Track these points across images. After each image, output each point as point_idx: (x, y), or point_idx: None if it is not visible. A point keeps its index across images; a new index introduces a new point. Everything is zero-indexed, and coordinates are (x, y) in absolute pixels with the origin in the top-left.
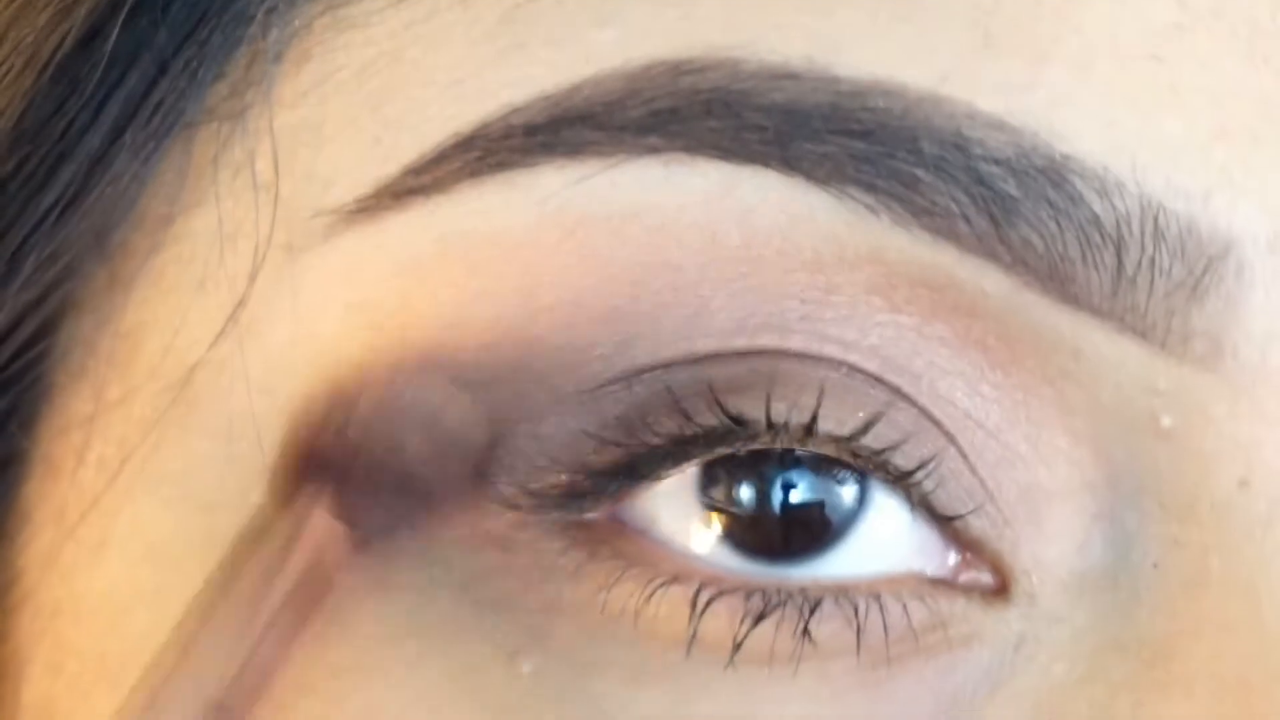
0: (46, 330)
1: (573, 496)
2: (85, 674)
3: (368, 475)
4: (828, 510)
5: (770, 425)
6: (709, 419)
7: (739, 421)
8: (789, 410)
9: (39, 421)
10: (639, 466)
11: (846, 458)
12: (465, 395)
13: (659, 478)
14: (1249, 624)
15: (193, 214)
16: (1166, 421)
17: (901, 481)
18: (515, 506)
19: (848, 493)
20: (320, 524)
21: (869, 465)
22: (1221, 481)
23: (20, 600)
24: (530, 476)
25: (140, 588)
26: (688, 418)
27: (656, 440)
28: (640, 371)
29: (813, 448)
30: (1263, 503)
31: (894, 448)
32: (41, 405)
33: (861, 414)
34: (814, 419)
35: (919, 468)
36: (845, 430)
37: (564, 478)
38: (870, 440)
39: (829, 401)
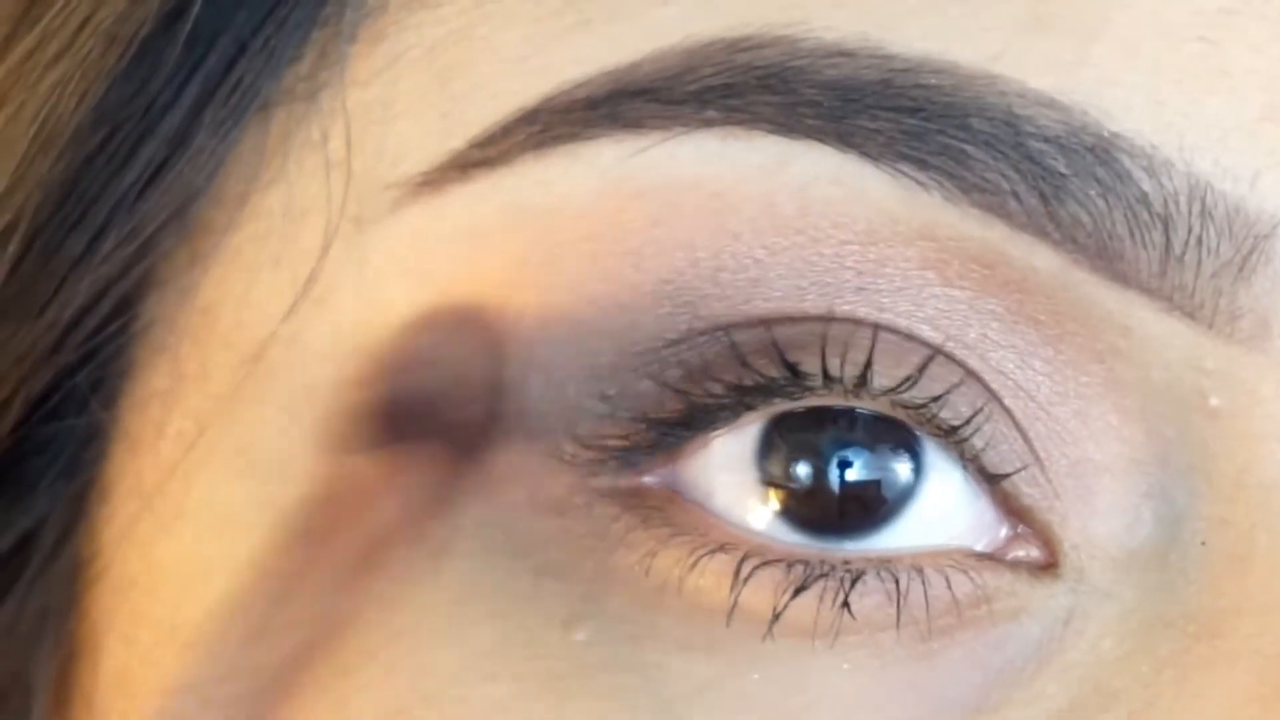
0: (128, 307)
1: (631, 449)
2: (158, 644)
3: (411, 425)
4: (884, 488)
5: (826, 376)
6: (767, 368)
7: (795, 372)
8: (843, 364)
9: (121, 397)
10: (697, 417)
11: (900, 415)
12: (490, 337)
13: (716, 429)
14: None
15: (268, 191)
16: (1215, 401)
17: (951, 437)
18: (574, 464)
19: (903, 469)
20: (378, 479)
21: (919, 420)
22: (1269, 462)
23: (99, 574)
24: (591, 431)
25: (211, 557)
26: (747, 366)
27: (716, 389)
28: (702, 331)
29: (867, 402)
30: None
31: (943, 398)
32: (123, 381)
33: (912, 364)
34: (868, 366)
35: (968, 422)
36: (896, 380)
37: (624, 429)
38: (920, 391)
39: (882, 356)
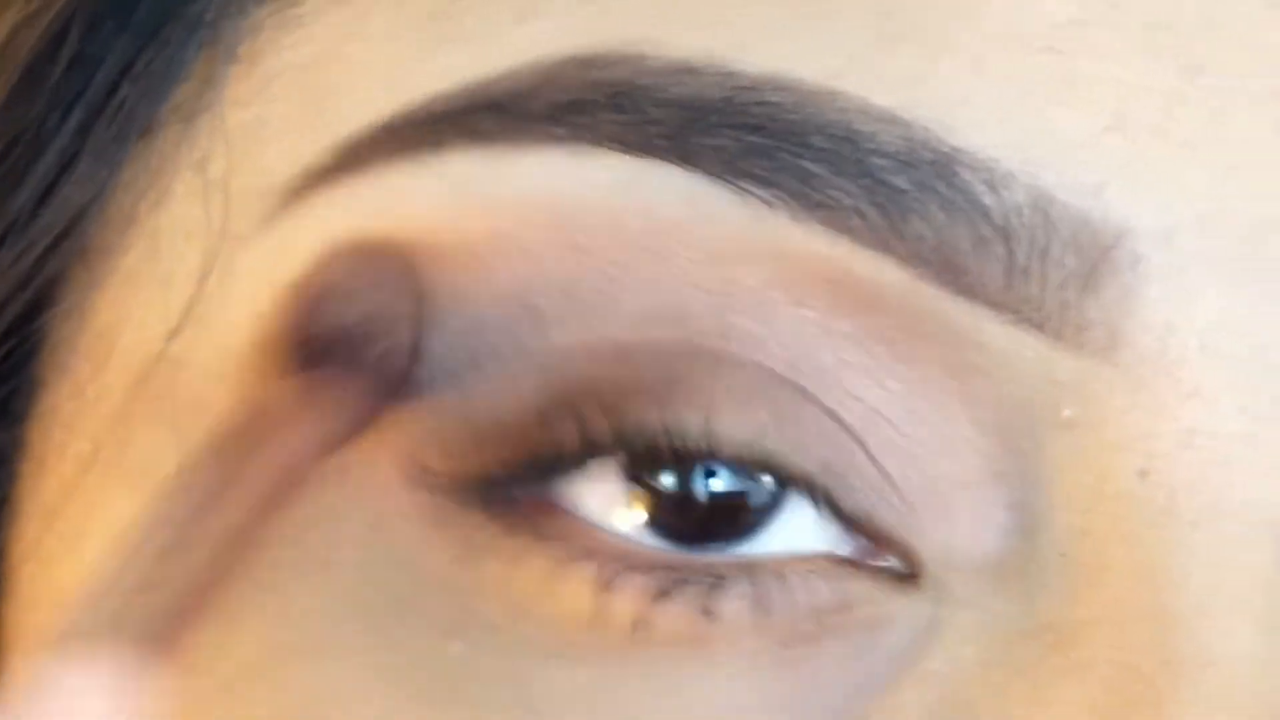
0: (33, 329)
1: (494, 484)
2: None
3: (328, 355)
4: (750, 498)
5: (669, 433)
6: (609, 428)
7: (639, 430)
8: (689, 415)
9: (27, 418)
10: (552, 462)
11: (749, 464)
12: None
13: (575, 471)
14: (1146, 612)
15: (157, 212)
16: (1068, 413)
17: (804, 482)
18: (440, 486)
19: (768, 480)
20: (295, 403)
21: (770, 468)
22: (1122, 472)
23: (8, 592)
24: (454, 459)
25: None
26: (590, 427)
27: (566, 439)
28: (550, 361)
29: (719, 452)
30: (1162, 493)
31: (795, 449)
32: (30, 403)
33: (761, 416)
34: (709, 423)
35: (820, 468)
36: (744, 434)
37: (483, 463)
38: (770, 442)
39: (730, 405)
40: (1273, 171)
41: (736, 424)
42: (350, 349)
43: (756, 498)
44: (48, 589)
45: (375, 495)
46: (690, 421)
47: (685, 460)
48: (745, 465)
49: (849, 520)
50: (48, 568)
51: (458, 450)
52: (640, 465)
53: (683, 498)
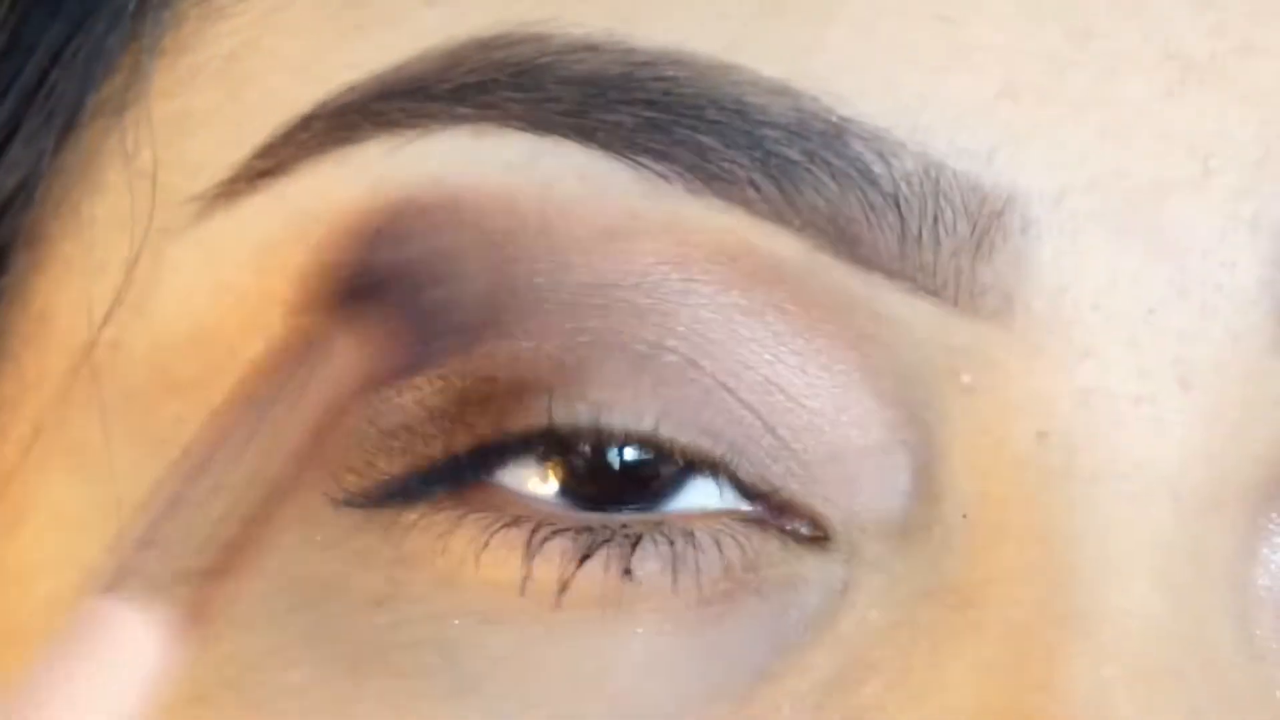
0: None
1: (418, 484)
2: (2, 641)
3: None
4: (659, 465)
5: (559, 429)
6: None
7: (529, 432)
8: (578, 412)
9: None
10: (462, 460)
11: (649, 448)
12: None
13: (489, 458)
14: (1041, 572)
15: (91, 201)
16: (966, 378)
17: (704, 462)
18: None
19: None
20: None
21: (667, 450)
22: (1021, 434)
23: None
24: (362, 461)
25: (47, 555)
26: (486, 429)
27: (482, 433)
28: (441, 365)
29: (613, 441)
30: (1059, 454)
31: (690, 429)
32: None
33: (654, 400)
34: (599, 421)
35: (715, 443)
36: (635, 423)
37: (396, 474)
38: (664, 430)
39: (621, 394)
40: (1162, 134)
41: (628, 414)
42: (405, 289)
43: (666, 467)
44: None
45: (304, 487)
46: (581, 416)
47: (599, 432)
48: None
49: (752, 493)
50: None
51: (368, 463)
52: (551, 445)
53: (596, 466)
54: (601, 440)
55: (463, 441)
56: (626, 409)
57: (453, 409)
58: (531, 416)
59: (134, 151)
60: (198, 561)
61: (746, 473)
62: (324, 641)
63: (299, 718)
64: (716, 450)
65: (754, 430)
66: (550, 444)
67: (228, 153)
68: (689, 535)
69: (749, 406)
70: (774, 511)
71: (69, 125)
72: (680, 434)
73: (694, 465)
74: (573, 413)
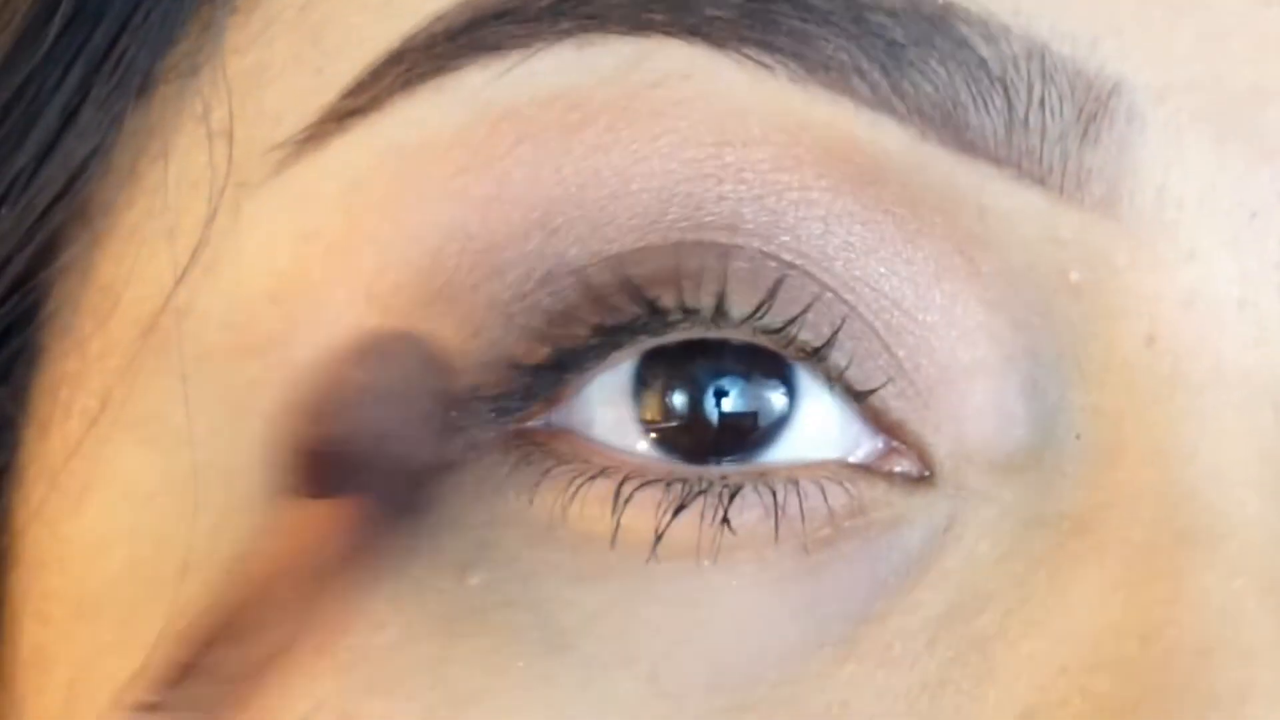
0: (32, 293)
1: (506, 397)
2: (68, 619)
3: (352, 472)
4: (759, 417)
5: (684, 309)
6: (628, 307)
7: (654, 308)
8: (701, 295)
9: (30, 385)
10: (567, 361)
11: (763, 342)
12: (428, 351)
13: (589, 372)
14: (1157, 489)
15: (159, 166)
16: (1074, 276)
17: (814, 358)
18: (456, 423)
19: (777, 397)
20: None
21: (781, 344)
22: (1130, 340)
23: (16, 557)
24: (464, 382)
25: (117, 527)
26: (607, 305)
27: (580, 330)
28: (564, 269)
29: (729, 331)
30: (1167, 361)
31: (800, 318)
32: (32, 369)
33: (765, 287)
34: (722, 295)
35: (828, 342)
36: (751, 306)
37: (496, 381)
38: (776, 314)
39: (737, 284)
40: (1260, 42)
41: (747, 300)
42: (373, 461)
43: (765, 416)
44: (54, 548)
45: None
46: (702, 300)
47: (695, 381)
48: (757, 362)
49: (864, 406)
50: (53, 528)
51: (476, 378)
52: (650, 383)
53: (693, 419)
54: (721, 321)
55: (565, 341)
56: (744, 300)
57: (563, 312)
58: (643, 305)
59: (207, 111)
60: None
61: (860, 380)
62: (413, 604)
63: (389, 680)
64: (832, 353)
65: (873, 347)
66: (653, 373)
67: (312, 97)
68: (793, 483)
69: (868, 323)
70: (882, 437)
71: (139, 90)
72: (795, 332)
73: (805, 371)
74: (694, 301)
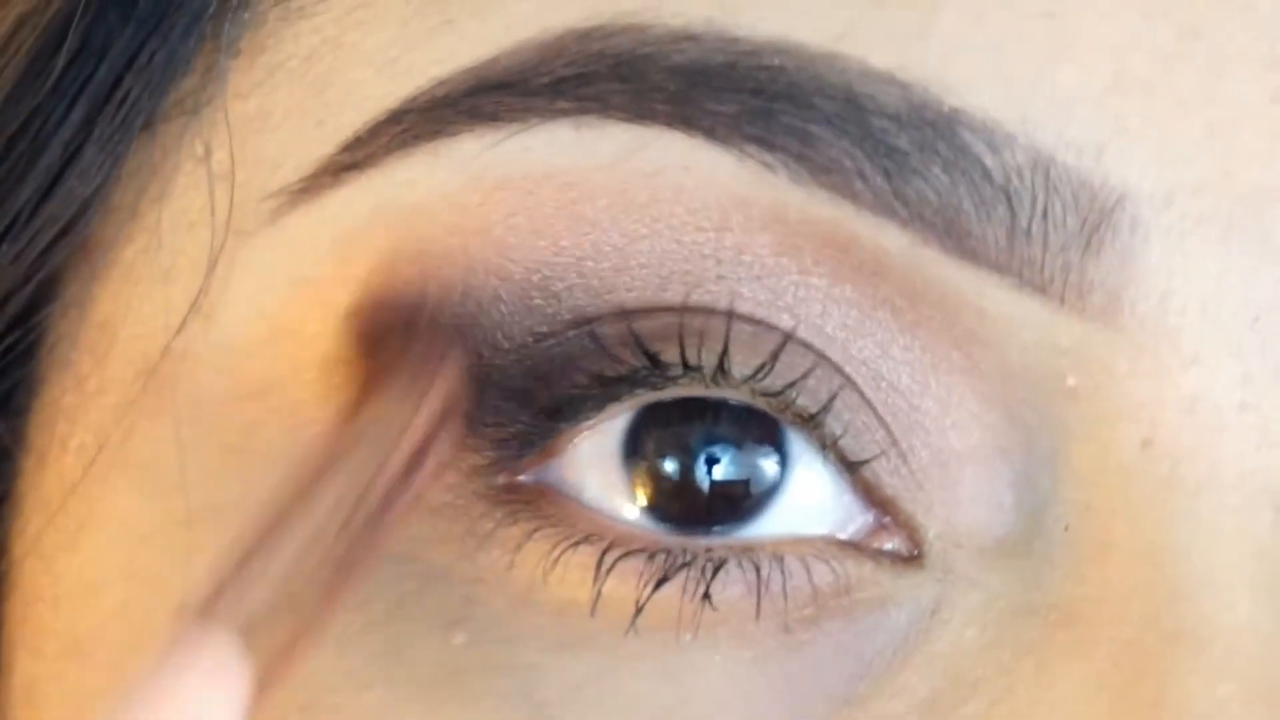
0: (33, 323)
1: (503, 442)
2: (60, 657)
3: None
4: (751, 485)
5: (686, 365)
6: (629, 357)
7: (655, 361)
8: (701, 351)
9: (29, 413)
10: (563, 409)
11: (761, 404)
12: None
13: (583, 420)
14: (1148, 587)
15: (159, 205)
16: (1072, 381)
17: (810, 424)
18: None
19: (769, 465)
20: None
21: (779, 408)
22: (1126, 442)
23: (11, 588)
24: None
25: (111, 568)
26: (609, 356)
27: (581, 379)
28: (569, 324)
29: (728, 391)
30: (1165, 464)
31: (799, 383)
32: (31, 398)
33: (767, 351)
34: (725, 354)
35: (825, 408)
36: (753, 367)
37: (491, 429)
38: (776, 378)
39: (738, 345)
40: (1269, 139)
41: (747, 361)
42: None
43: (758, 484)
44: (49, 584)
45: None
46: (704, 357)
47: (687, 446)
48: (750, 429)
49: (856, 478)
50: (49, 562)
51: (472, 425)
52: (643, 447)
53: (684, 485)
54: (721, 379)
55: (563, 392)
56: (744, 360)
57: (560, 367)
58: (644, 352)
59: (208, 153)
60: (288, 613)
61: (854, 451)
62: (398, 663)
63: None
64: (827, 421)
65: (868, 420)
66: (645, 429)
67: (310, 149)
68: (778, 560)
69: (864, 396)
70: (872, 519)
71: (142, 129)
72: (792, 397)
73: (798, 439)
74: (697, 356)
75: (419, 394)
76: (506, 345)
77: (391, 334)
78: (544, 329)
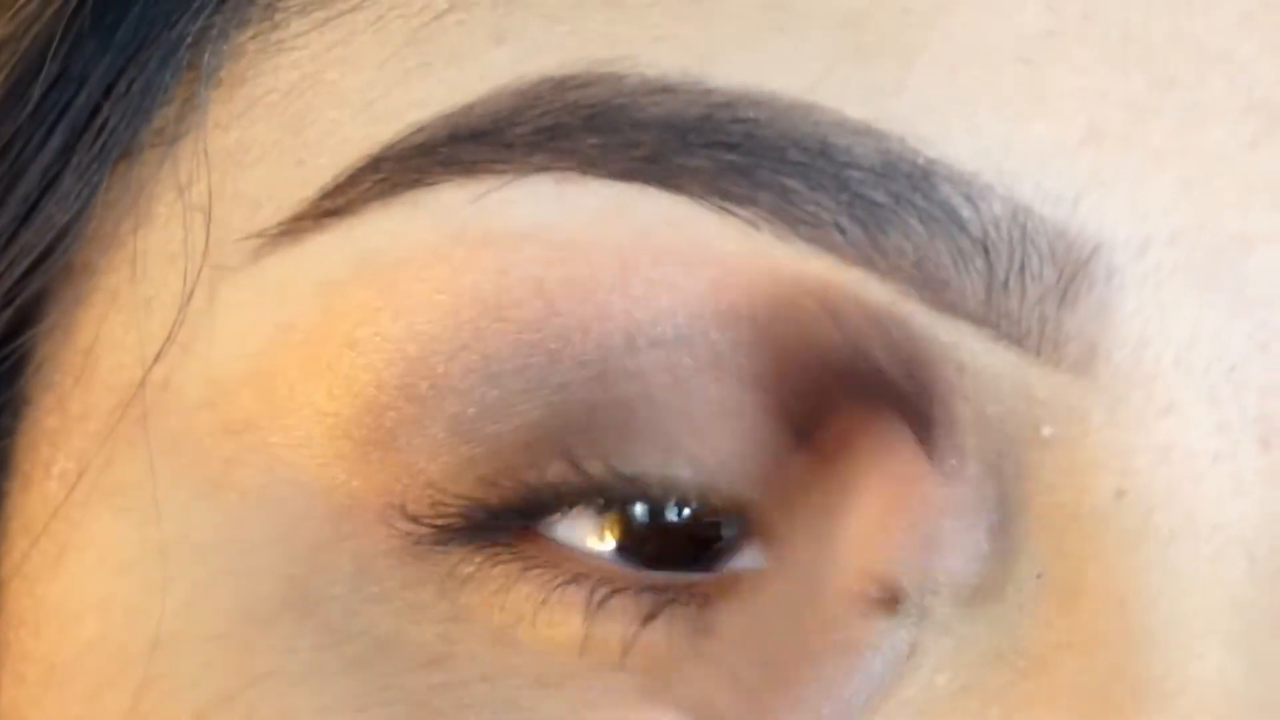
0: (17, 346)
1: (473, 529)
2: (40, 682)
3: None
4: (723, 527)
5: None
6: (598, 471)
7: (622, 477)
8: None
9: (14, 436)
10: (528, 509)
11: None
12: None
13: (554, 514)
14: (1116, 637)
15: (140, 234)
16: (1047, 431)
17: None
18: (426, 528)
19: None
20: None
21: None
22: (1100, 491)
23: (0, 608)
24: (431, 509)
25: (90, 596)
26: (576, 469)
27: (548, 486)
28: (521, 415)
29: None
30: (1137, 514)
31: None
32: (16, 420)
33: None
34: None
35: None
36: (703, 477)
37: (463, 515)
38: (734, 482)
39: (690, 442)
40: (1245, 185)
41: (696, 464)
42: None
43: (728, 526)
44: (32, 608)
45: (360, 533)
46: (649, 464)
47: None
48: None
49: None
50: (31, 586)
51: (436, 496)
52: (611, 502)
53: (656, 527)
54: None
55: (527, 492)
56: (692, 460)
57: (527, 459)
58: (599, 470)
59: (187, 184)
60: None
61: None
62: (376, 702)
63: None
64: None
65: None
66: (612, 495)
67: (290, 190)
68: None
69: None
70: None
71: (120, 157)
72: (747, 493)
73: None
74: (636, 464)
75: None
76: (460, 426)
77: None
78: (499, 412)
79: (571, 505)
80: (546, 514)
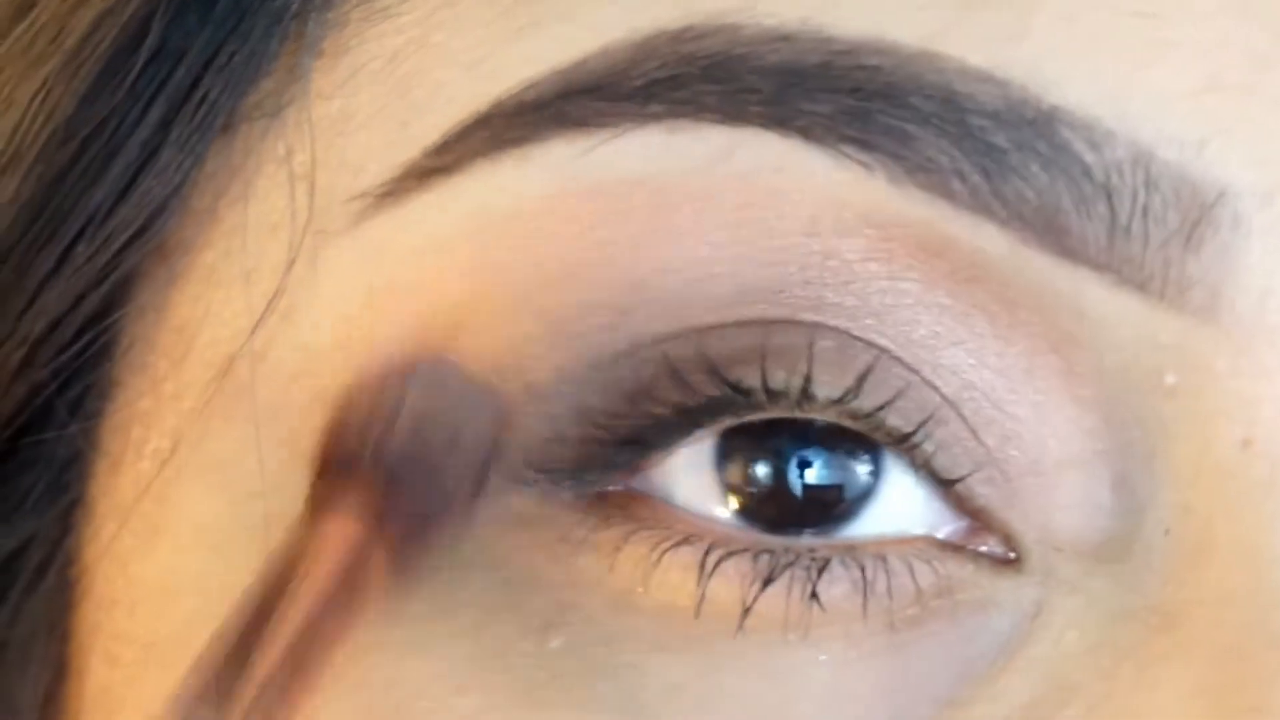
0: (107, 327)
1: (585, 469)
2: (137, 662)
3: (391, 476)
4: (845, 490)
5: (769, 391)
6: (709, 388)
7: (738, 389)
8: (786, 377)
9: (103, 417)
10: (647, 438)
11: (847, 422)
12: (476, 389)
13: (669, 448)
14: (1249, 591)
15: (238, 207)
16: (1170, 379)
17: (902, 445)
18: (531, 484)
19: (863, 470)
20: (349, 531)
21: (869, 429)
22: (1225, 442)
23: (83, 593)
24: (542, 453)
25: (187, 573)
26: (689, 388)
27: (661, 411)
28: (642, 344)
29: (815, 413)
30: (1264, 464)
31: (889, 405)
32: (104, 402)
33: (855, 372)
34: (809, 379)
35: (918, 429)
36: (839, 390)
37: (574, 452)
38: (865, 400)
39: (823, 367)
40: None
41: (834, 384)
42: (423, 471)
43: (851, 489)
44: (125, 588)
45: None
46: (789, 382)
47: (779, 452)
48: (842, 436)
49: (949, 492)
50: (124, 566)
51: (550, 446)
52: (734, 453)
53: (777, 490)
54: (797, 426)
55: (644, 421)
56: (829, 382)
57: (643, 388)
58: (725, 384)
59: (289, 154)
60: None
61: (945, 467)
62: (494, 668)
63: None
64: (916, 438)
65: (961, 434)
66: (733, 447)
67: (395, 151)
68: (881, 559)
69: (956, 410)
70: (968, 521)
71: (220, 131)
72: (880, 417)
73: (888, 458)
74: (776, 380)
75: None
76: (573, 370)
77: None
78: (613, 350)
79: (683, 433)
80: (662, 447)
